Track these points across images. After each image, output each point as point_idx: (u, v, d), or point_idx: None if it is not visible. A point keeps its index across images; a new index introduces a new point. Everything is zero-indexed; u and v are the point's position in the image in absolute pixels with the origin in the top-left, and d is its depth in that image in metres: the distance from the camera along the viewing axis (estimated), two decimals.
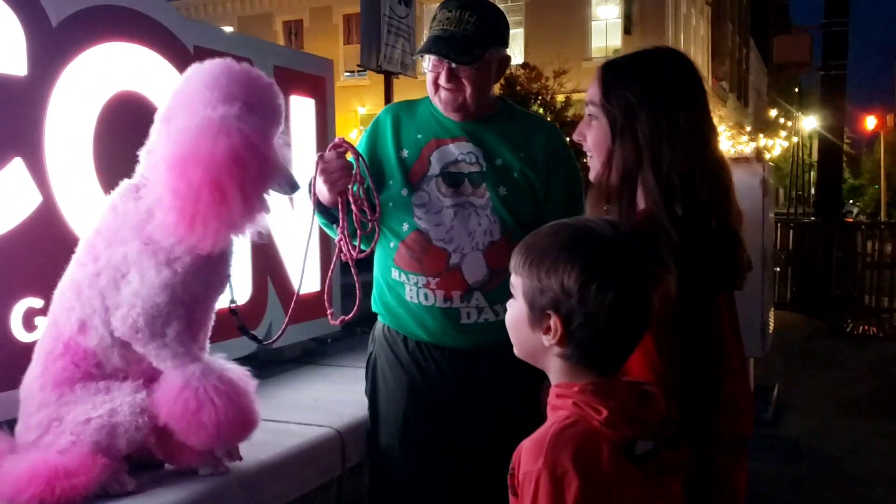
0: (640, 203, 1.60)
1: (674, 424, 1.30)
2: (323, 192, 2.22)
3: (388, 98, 7.61)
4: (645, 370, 1.50)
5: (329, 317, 2.34)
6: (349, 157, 2.23)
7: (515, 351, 1.37)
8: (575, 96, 20.02)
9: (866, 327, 9.57)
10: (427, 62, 2.24)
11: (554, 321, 1.25)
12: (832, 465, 4.73)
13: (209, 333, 2.11)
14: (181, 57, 2.69)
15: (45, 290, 2.18)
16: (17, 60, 2.16)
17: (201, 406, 1.88)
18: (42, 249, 2.21)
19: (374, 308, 2.45)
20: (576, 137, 1.75)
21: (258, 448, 2.17)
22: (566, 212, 2.23)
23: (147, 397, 1.90)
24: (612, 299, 1.21)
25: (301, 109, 3.26)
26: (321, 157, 2.20)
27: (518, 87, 20.95)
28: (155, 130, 1.99)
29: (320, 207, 2.27)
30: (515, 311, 1.34)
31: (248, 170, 1.80)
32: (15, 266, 2.12)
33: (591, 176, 1.72)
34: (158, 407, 1.90)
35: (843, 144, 12.49)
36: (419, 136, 2.32)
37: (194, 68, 2.00)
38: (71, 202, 2.31)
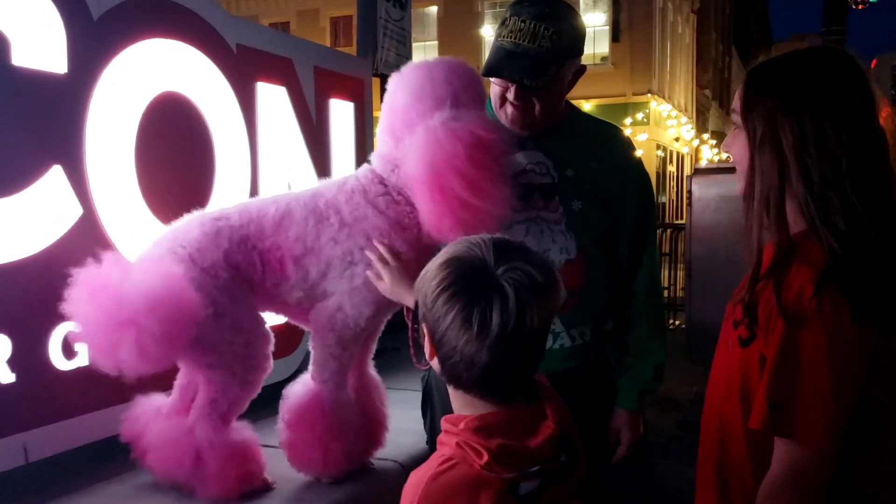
0: (793, 223, 1.40)
1: (570, 449, 1.22)
2: None
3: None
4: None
5: (413, 359, 2.12)
6: None
7: None
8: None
9: None
10: None
11: (426, 334, 1.23)
12: None
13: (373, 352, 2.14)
14: (224, 55, 2.49)
15: None
16: (57, 57, 1.95)
17: (334, 437, 1.88)
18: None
19: None
20: (722, 148, 1.59)
21: (316, 486, 2.01)
22: (638, 227, 2.06)
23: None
24: (455, 316, 1.15)
25: (340, 113, 3.06)
26: None
27: None
28: (380, 142, 2.00)
29: None
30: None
31: (486, 158, 1.80)
32: (54, 286, 1.89)
33: (738, 190, 1.52)
34: (288, 411, 1.88)
35: None
36: None
37: (396, 80, 1.94)
38: (113, 215, 2.10)
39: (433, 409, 2.17)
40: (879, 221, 1.35)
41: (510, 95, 1.94)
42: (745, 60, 44.85)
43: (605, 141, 2.10)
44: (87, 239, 2.01)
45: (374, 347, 2.13)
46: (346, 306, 1.83)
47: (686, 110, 29.05)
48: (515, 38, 1.89)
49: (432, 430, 2.19)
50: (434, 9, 23.89)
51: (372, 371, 2.19)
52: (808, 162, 1.36)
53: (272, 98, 2.69)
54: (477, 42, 23.39)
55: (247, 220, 1.87)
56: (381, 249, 1.83)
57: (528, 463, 1.17)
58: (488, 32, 24.92)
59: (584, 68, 2.03)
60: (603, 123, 2.19)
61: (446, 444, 1.21)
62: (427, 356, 1.27)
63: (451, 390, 1.27)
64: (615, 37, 23.56)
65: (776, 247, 1.38)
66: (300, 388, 1.94)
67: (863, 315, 1.28)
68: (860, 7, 11.01)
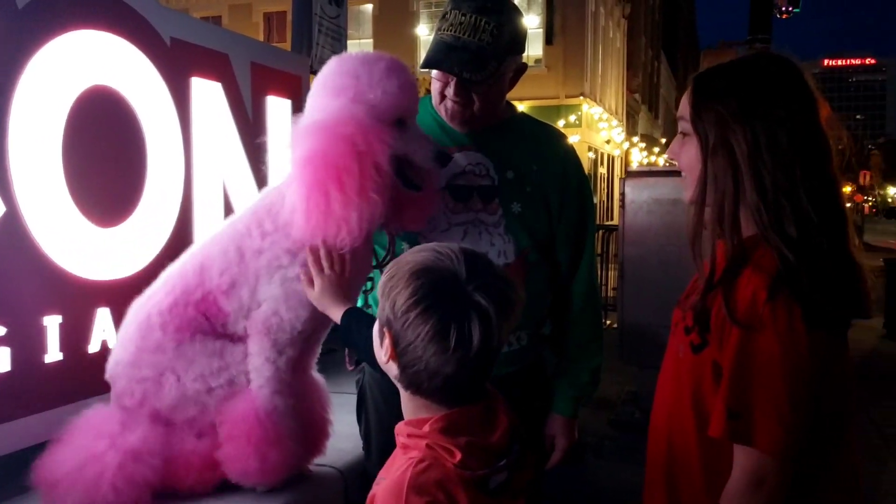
0: (745, 229, 1.41)
1: (520, 439, 1.29)
2: None
3: None
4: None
5: (346, 361, 2.07)
6: None
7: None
8: None
9: None
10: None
11: (387, 340, 1.23)
12: None
13: (318, 355, 2.06)
14: (157, 49, 2.40)
15: (9, 316, 1.88)
16: None
17: (272, 445, 1.81)
18: (4, 270, 1.90)
19: None
20: (668, 155, 1.57)
21: (251, 494, 1.93)
22: (577, 230, 2.06)
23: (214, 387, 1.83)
24: (428, 331, 1.18)
25: (278, 110, 2.99)
26: None
27: None
28: None
29: None
30: (375, 325, 1.32)
31: (352, 163, 1.68)
32: None
33: (686, 197, 1.53)
34: (225, 421, 1.81)
35: None
36: None
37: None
38: (38, 213, 2.00)
39: (367, 413, 2.14)
40: (829, 227, 1.37)
41: (450, 91, 1.91)
42: (674, 66, 46.00)
43: (547, 143, 2.09)
44: (10, 238, 1.92)
45: (318, 350, 2.07)
46: (280, 310, 1.79)
47: (617, 113, 29.59)
48: (455, 32, 1.86)
49: (367, 435, 2.16)
50: (369, 7, 23.75)
51: (317, 375, 2.14)
52: (762, 169, 1.37)
53: (207, 94, 2.61)
54: (412, 41, 23.32)
55: (170, 288, 1.84)
56: (321, 254, 1.76)
57: (494, 457, 1.23)
58: (424, 32, 24.89)
59: (524, 66, 2.01)
60: (544, 125, 2.17)
61: (413, 447, 1.22)
62: (383, 358, 1.27)
63: (406, 394, 1.29)
64: (549, 39, 23.83)
65: (729, 253, 1.39)
66: (231, 401, 1.86)
67: (814, 320, 1.31)
68: (784, 17, 11.34)
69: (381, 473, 1.30)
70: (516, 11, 1.94)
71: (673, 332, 1.55)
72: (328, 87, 1.76)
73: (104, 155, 2.22)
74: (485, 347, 1.20)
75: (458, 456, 1.19)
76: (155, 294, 1.85)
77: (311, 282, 1.76)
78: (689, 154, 1.48)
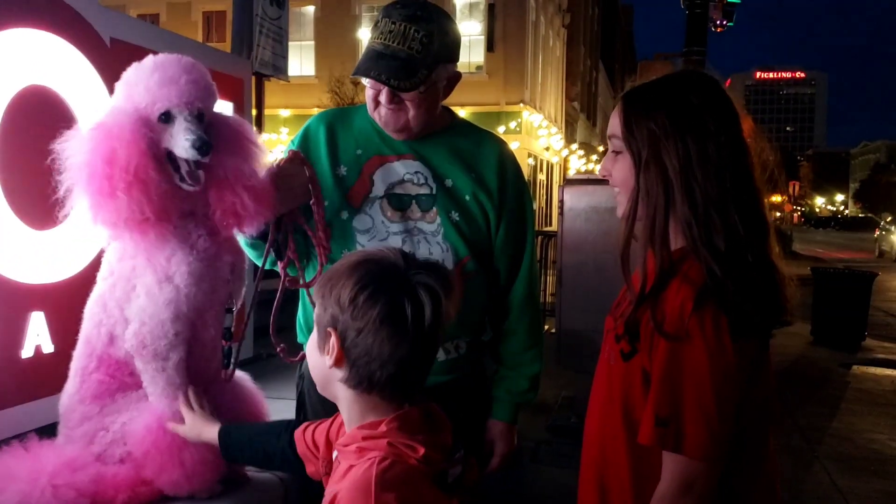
0: (674, 241, 1.46)
1: (460, 442, 1.33)
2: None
3: (259, 101, 7.21)
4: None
5: (280, 354, 2.05)
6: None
7: (315, 380, 1.36)
8: None
9: None
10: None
11: (333, 338, 1.24)
12: None
13: (217, 358, 1.97)
14: (97, 49, 2.36)
15: None
16: None
17: (183, 447, 1.76)
18: None
19: (300, 339, 2.15)
20: (601, 173, 1.59)
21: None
22: (516, 238, 2.08)
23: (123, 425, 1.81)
24: (379, 312, 1.21)
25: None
26: (279, 168, 1.91)
27: None
28: None
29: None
30: (311, 339, 1.32)
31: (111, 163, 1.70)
32: None
33: (619, 212, 1.56)
34: (133, 438, 1.77)
35: None
36: (359, 152, 2.02)
37: None
38: None
39: (307, 418, 2.13)
40: (754, 238, 1.42)
41: (382, 98, 1.91)
42: (611, 76, 46.91)
43: (486, 150, 2.09)
44: None
45: (219, 352, 2.01)
46: (145, 320, 1.78)
47: (556, 121, 30.01)
48: (385, 40, 1.87)
49: None
50: (311, 8, 23.58)
51: (242, 375, 2.10)
52: (693, 183, 1.41)
53: None
54: (354, 44, 23.21)
55: (73, 371, 1.87)
56: (189, 396, 1.82)
57: (447, 452, 1.26)
58: (366, 35, 24.77)
59: (459, 75, 2.02)
60: (483, 132, 2.19)
61: (371, 448, 1.23)
62: (328, 363, 1.27)
63: (351, 397, 1.29)
64: (490, 46, 24.04)
65: (658, 266, 1.42)
66: (134, 420, 1.84)
67: (740, 330, 1.35)
68: (719, 30, 11.68)
69: (331, 487, 1.29)
70: (448, 20, 1.96)
71: (605, 340, 1.59)
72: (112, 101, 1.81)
73: (40, 156, 2.17)
74: (435, 325, 1.23)
75: (421, 451, 1.21)
76: (67, 385, 1.89)
77: (180, 421, 1.80)
78: (621, 170, 1.51)
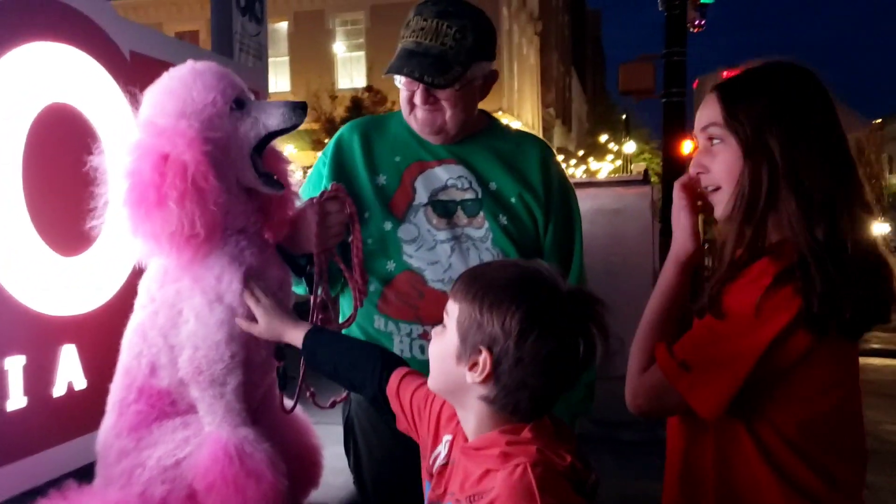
0: (772, 234, 1.39)
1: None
2: (305, 245, 1.84)
3: None
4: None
5: (310, 397, 1.93)
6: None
7: (431, 381, 1.32)
8: None
9: None
10: (399, 77, 1.88)
11: (484, 358, 1.19)
12: None
13: (276, 383, 1.86)
14: (117, 63, 2.23)
15: None
16: None
17: (249, 477, 1.63)
18: None
19: None
20: (693, 171, 1.50)
21: None
22: (564, 239, 1.99)
23: (182, 458, 1.68)
24: (547, 352, 1.17)
25: None
26: (321, 206, 1.81)
27: (363, 111, 20.76)
28: None
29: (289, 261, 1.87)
30: (444, 341, 1.27)
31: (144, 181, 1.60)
32: None
33: (720, 212, 1.48)
34: (195, 471, 1.63)
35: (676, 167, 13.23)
36: (397, 159, 1.95)
37: None
38: None
39: (357, 444, 2.01)
40: (858, 233, 1.36)
41: (417, 98, 1.85)
42: (583, 81, 47.33)
43: (527, 151, 2.01)
44: None
45: (273, 374, 1.89)
46: (198, 344, 1.68)
47: (533, 128, 30.13)
48: (417, 38, 1.81)
49: (358, 467, 2.02)
50: (284, 24, 23.51)
51: (288, 402, 2.00)
52: (797, 170, 1.36)
53: None
54: (329, 59, 23.22)
55: (111, 405, 1.78)
56: (250, 289, 1.69)
57: (580, 461, 1.22)
58: (341, 50, 24.81)
59: (495, 73, 1.95)
60: (524, 134, 2.12)
61: (518, 454, 1.18)
62: (476, 379, 1.22)
63: (485, 410, 1.25)
64: None
65: (748, 249, 1.38)
66: (196, 450, 1.71)
67: (808, 320, 1.30)
68: (696, 30, 11.78)
69: (461, 492, 1.24)
70: (481, 15, 1.88)
71: None
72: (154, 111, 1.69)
73: (65, 177, 2.04)
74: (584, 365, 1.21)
75: (569, 459, 1.19)
76: (104, 420, 1.78)
77: (251, 321, 1.69)
78: (724, 161, 1.44)
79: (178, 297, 1.69)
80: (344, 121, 22.35)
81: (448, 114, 1.86)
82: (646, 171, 9.93)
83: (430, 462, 1.39)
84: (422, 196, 1.91)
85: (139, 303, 1.76)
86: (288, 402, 1.87)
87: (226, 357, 1.68)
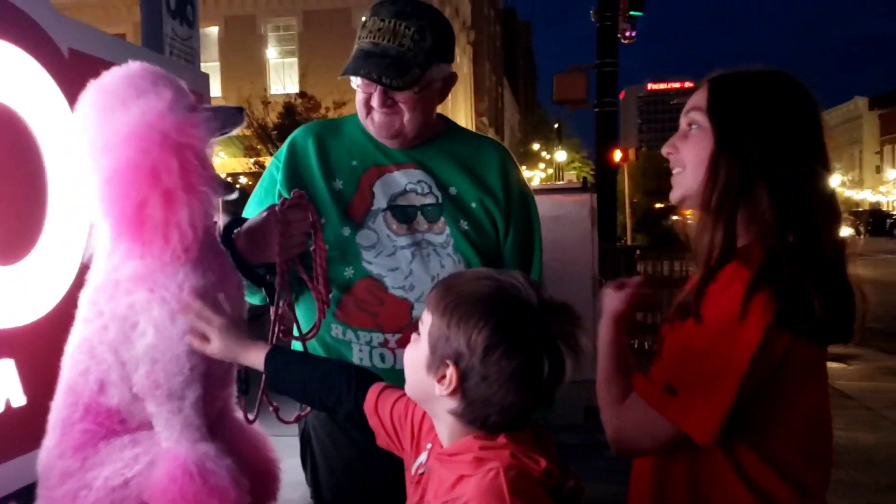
0: (740, 231, 1.39)
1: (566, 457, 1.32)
2: (266, 254, 1.76)
3: None
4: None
5: (274, 413, 1.83)
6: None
7: (406, 387, 1.32)
8: None
9: (645, 344, 10.30)
10: (355, 79, 1.83)
11: (451, 372, 1.18)
12: None
13: (234, 394, 1.80)
14: (55, 61, 2.11)
15: None
16: None
17: (211, 495, 1.55)
18: None
19: None
20: (665, 150, 1.51)
21: None
22: (524, 244, 1.97)
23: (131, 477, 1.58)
24: (513, 370, 1.15)
25: None
26: (283, 214, 1.73)
27: (297, 117, 20.50)
28: None
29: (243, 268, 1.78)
30: (417, 350, 1.26)
31: (159, 161, 1.54)
32: None
33: (676, 196, 1.50)
34: (151, 490, 1.55)
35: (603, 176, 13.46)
36: (354, 163, 1.90)
37: None
38: None
39: (314, 456, 1.95)
40: (827, 241, 1.37)
41: (374, 101, 1.80)
42: (515, 90, 47.97)
43: (486, 155, 1.99)
44: None
45: (233, 385, 1.83)
46: (157, 358, 1.60)
47: None
48: (374, 38, 1.77)
49: (316, 481, 1.96)
50: (215, 29, 23.09)
51: (239, 416, 1.92)
52: (776, 169, 1.37)
53: None
54: (261, 64, 22.92)
55: (52, 423, 1.66)
56: (197, 307, 1.58)
57: (557, 467, 1.22)
58: (273, 55, 24.51)
59: (454, 76, 1.92)
60: (482, 137, 2.09)
61: (491, 459, 1.18)
62: (444, 392, 1.20)
63: (456, 424, 1.23)
64: None
65: (719, 249, 1.37)
66: (147, 469, 1.62)
67: (785, 320, 1.29)
68: (627, 41, 12.09)
69: (435, 500, 1.23)
70: (440, 16, 1.85)
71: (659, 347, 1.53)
72: (106, 104, 1.61)
73: (2, 182, 1.92)
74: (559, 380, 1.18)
75: (544, 463, 1.18)
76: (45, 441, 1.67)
77: (203, 340, 1.59)
78: (695, 144, 1.45)
79: (133, 311, 1.60)
80: (276, 127, 22.33)
81: (406, 117, 1.82)
82: (585, 178, 10.09)
83: (413, 472, 1.36)
84: (380, 201, 1.87)
85: (82, 316, 1.66)
86: (250, 413, 1.80)
87: (185, 370, 1.61)
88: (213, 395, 1.72)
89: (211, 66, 22.68)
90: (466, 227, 1.88)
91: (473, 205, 1.90)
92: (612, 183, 12.89)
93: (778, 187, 1.36)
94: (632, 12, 12.45)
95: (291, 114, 20.29)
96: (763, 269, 1.31)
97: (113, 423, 1.64)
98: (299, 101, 21.24)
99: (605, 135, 12.41)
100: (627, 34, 12.47)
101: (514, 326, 1.15)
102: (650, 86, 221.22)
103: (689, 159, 1.46)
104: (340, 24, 23.94)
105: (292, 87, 22.79)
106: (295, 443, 2.01)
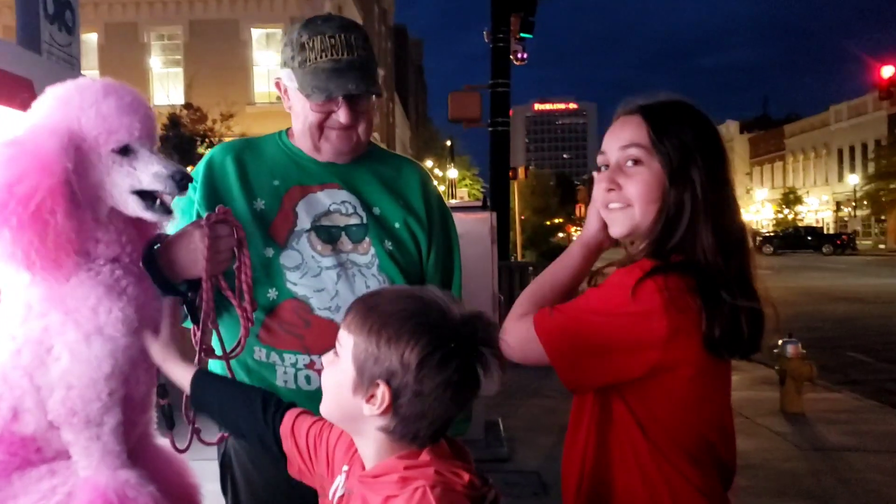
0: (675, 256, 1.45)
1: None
2: (190, 270, 1.69)
3: None
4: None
5: (195, 435, 1.79)
6: None
7: (324, 409, 1.32)
8: None
9: None
10: (300, 99, 1.81)
11: (382, 391, 1.21)
12: None
13: (153, 419, 1.75)
14: None
15: None
16: None
17: None
18: None
19: None
20: (605, 185, 1.52)
21: None
22: (445, 264, 2.01)
23: None
24: (446, 382, 1.20)
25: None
26: (211, 229, 1.67)
27: (182, 129, 19.88)
28: None
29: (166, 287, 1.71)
30: (339, 372, 1.27)
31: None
32: None
33: (621, 232, 1.52)
34: None
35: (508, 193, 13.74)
36: (276, 183, 1.88)
37: None
38: None
39: (235, 482, 1.90)
40: (742, 259, 1.46)
41: (341, 116, 1.81)
42: (406, 107, 48.24)
43: (408, 177, 2.02)
44: None
45: (152, 410, 1.77)
46: (73, 383, 1.54)
47: None
48: (332, 55, 1.78)
49: (236, 498, 1.90)
50: (94, 36, 22.11)
51: (159, 441, 1.84)
52: (717, 203, 1.44)
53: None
54: (144, 73, 22.17)
55: None
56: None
57: (478, 478, 1.24)
58: (157, 65, 23.70)
59: (383, 79, 1.97)
60: (402, 158, 2.12)
61: (416, 477, 1.20)
62: (375, 412, 1.22)
63: (383, 440, 1.25)
64: None
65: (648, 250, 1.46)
66: (66, 499, 1.55)
67: (712, 342, 1.36)
68: (519, 63, 12.45)
69: None
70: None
71: None
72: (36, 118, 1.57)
73: None
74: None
75: (467, 477, 1.21)
76: None
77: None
78: (641, 181, 1.47)
79: (47, 334, 1.53)
80: (161, 139, 21.26)
81: (361, 128, 1.86)
82: (485, 197, 10.23)
83: (331, 496, 1.37)
84: (304, 221, 1.85)
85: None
86: (179, 441, 1.75)
87: (103, 395, 1.55)
88: (133, 421, 1.67)
89: (90, 75, 21.76)
90: (391, 248, 1.89)
91: (397, 225, 1.92)
92: (506, 201, 13.13)
93: (722, 219, 1.44)
94: (522, 34, 12.83)
95: (177, 125, 19.67)
96: (666, 266, 1.39)
97: (28, 453, 1.58)
98: (185, 112, 20.63)
99: (499, 154, 12.65)
100: (520, 56, 12.84)
101: (445, 340, 1.19)
102: (537, 106, 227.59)
103: (636, 197, 1.48)
104: (228, 35, 23.48)
105: (177, 97, 22.12)
106: (214, 467, 1.95)
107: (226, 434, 1.85)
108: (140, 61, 22.36)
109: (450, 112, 12.80)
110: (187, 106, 20.90)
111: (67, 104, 1.53)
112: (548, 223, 44.39)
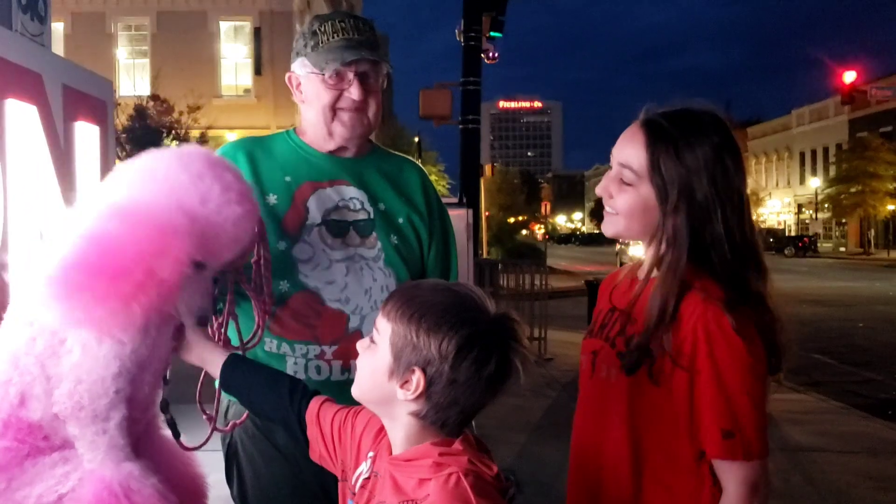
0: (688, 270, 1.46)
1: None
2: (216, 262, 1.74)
3: None
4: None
5: (207, 421, 1.85)
6: None
7: (358, 392, 1.36)
8: (210, 132, 19.39)
9: None
10: (313, 83, 1.91)
11: (418, 378, 1.25)
12: (551, 490, 4.73)
13: (158, 414, 1.77)
14: None
15: None
16: None
17: None
18: None
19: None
20: (599, 191, 1.58)
21: None
22: (443, 259, 2.12)
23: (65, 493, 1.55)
24: (481, 372, 1.25)
25: (86, 138, 2.67)
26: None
27: (148, 120, 19.62)
28: None
29: None
30: (375, 358, 1.31)
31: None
32: None
33: (610, 232, 1.59)
34: None
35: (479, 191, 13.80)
36: (287, 179, 1.95)
37: None
38: None
39: (241, 471, 1.96)
40: (759, 273, 1.50)
41: (353, 93, 1.91)
42: None
43: (409, 174, 2.13)
44: None
45: (155, 407, 1.80)
46: (82, 378, 1.58)
47: None
48: (343, 35, 1.90)
49: (243, 496, 1.96)
50: (60, 25, 21.66)
51: (165, 433, 1.87)
52: (716, 221, 1.45)
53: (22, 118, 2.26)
54: (111, 63, 21.82)
55: None
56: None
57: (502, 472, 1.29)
58: (123, 55, 23.36)
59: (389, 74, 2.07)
60: (402, 157, 2.23)
61: (450, 464, 1.24)
62: (408, 397, 1.27)
63: (415, 424, 1.30)
64: (258, 70, 23.66)
65: (665, 294, 1.44)
66: (79, 486, 1.58)
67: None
68: (490, 61, 12.54)
69: (394, 497, 1.27)
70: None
71: (590, 359, 1.62)
72: (156, 176, 1.61)
73: None
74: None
75: (496, 469, 1.26)
76: None
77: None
78: (629, 200, 1.51)
79: (62, 326, 1.56)
80: (126, 129, 21.24)
81: (372, 111, 1.96)
82: (462, 194, 10.32)
83: (353, 481, 1.42)
84: (315, 216, 1.92)
85: (10, 322, 1.61)
86: (185, 439, 1.79)
87: (110, 392, 1.58)
88: (136, 419, 1.70)
89: None
90: (396, 242, 1.99)
91: (401, 220, 2.02)
92: (476, 198, 13.21)
93: (728, 229, 1.45)
94: (492, 33, 12.90)
95: (143, 116, 19.39)
96: (730, 296, 1.41)
97: (36, 440, 1.60)
98: (151, 103, 20.35)
99: (470, 151, 12.70)
100: (491, 55, 12.93)
101: (482, 333, 1.25)
102: (502, 104, 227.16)
103: (622, 211, 1.53)
104: (196, 27, 23.20)
105: (144, 88, 21.82)
106: (219, 457, 1.99)
107: (238, 421, 1.89)
108: (106, 51, 22.00)
109: (420, 109, 12.82)
110: (154, 97, 20.62)
111: (199, 180, 1.58)
112: (511, 220, 44.49)
